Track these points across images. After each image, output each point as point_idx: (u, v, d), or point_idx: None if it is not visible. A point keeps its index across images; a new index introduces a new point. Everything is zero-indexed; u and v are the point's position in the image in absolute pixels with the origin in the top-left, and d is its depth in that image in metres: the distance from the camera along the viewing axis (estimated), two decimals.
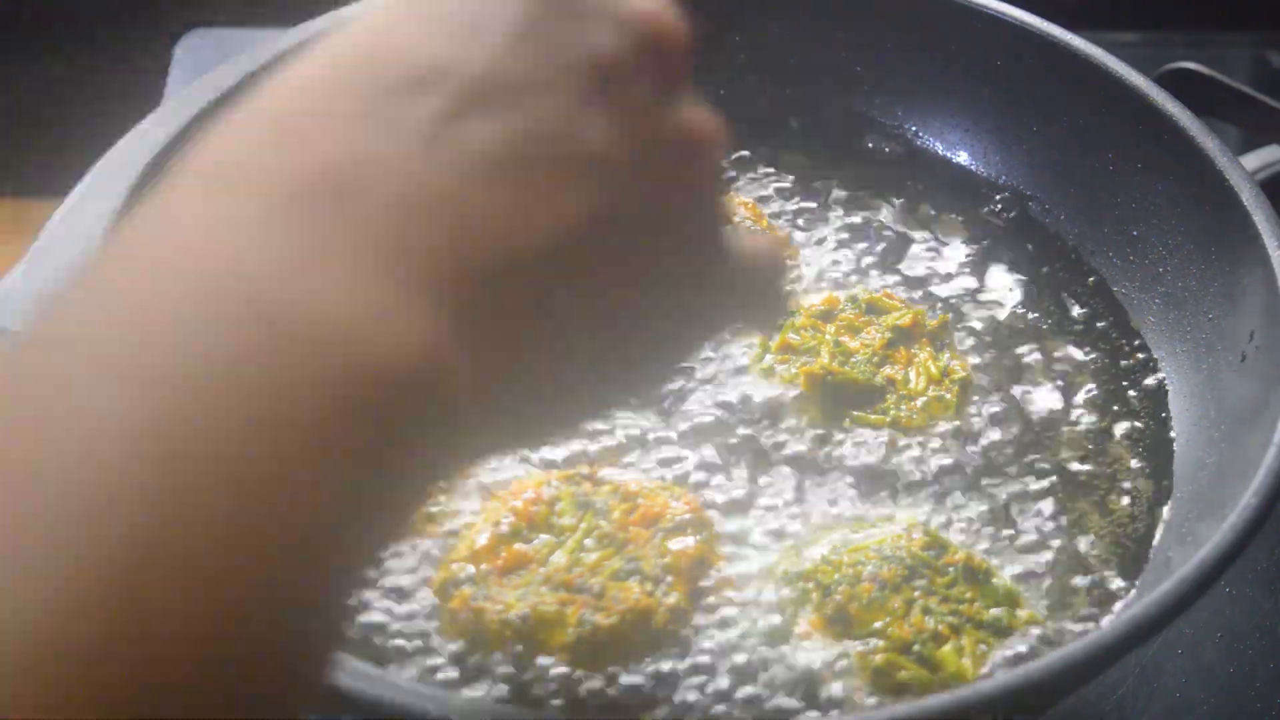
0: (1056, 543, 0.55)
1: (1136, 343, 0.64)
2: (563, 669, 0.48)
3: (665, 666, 0.49)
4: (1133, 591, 0.54)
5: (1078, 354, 0.64)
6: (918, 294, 0.65)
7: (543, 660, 0.49)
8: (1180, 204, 0.63)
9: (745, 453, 0.57)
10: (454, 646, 0.49)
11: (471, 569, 0.51)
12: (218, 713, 0.25)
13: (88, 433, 0.25)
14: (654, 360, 0.37)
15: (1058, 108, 0.69)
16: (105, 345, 0.26)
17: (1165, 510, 0.56)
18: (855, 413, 0.59)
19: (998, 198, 0.71)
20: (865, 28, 0.72)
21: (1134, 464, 0.59)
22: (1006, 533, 0.55)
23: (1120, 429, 0.60)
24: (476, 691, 0.48)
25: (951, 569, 0.52)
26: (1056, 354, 0.63)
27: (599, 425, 0.57)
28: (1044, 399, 0.61)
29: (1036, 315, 0.65)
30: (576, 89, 0.31)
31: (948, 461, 0.57)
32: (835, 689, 0.49)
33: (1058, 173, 0.70)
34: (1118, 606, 0.53)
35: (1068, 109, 0.68)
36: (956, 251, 0.68)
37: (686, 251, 0.35)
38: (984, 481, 0.57)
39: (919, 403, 0.59)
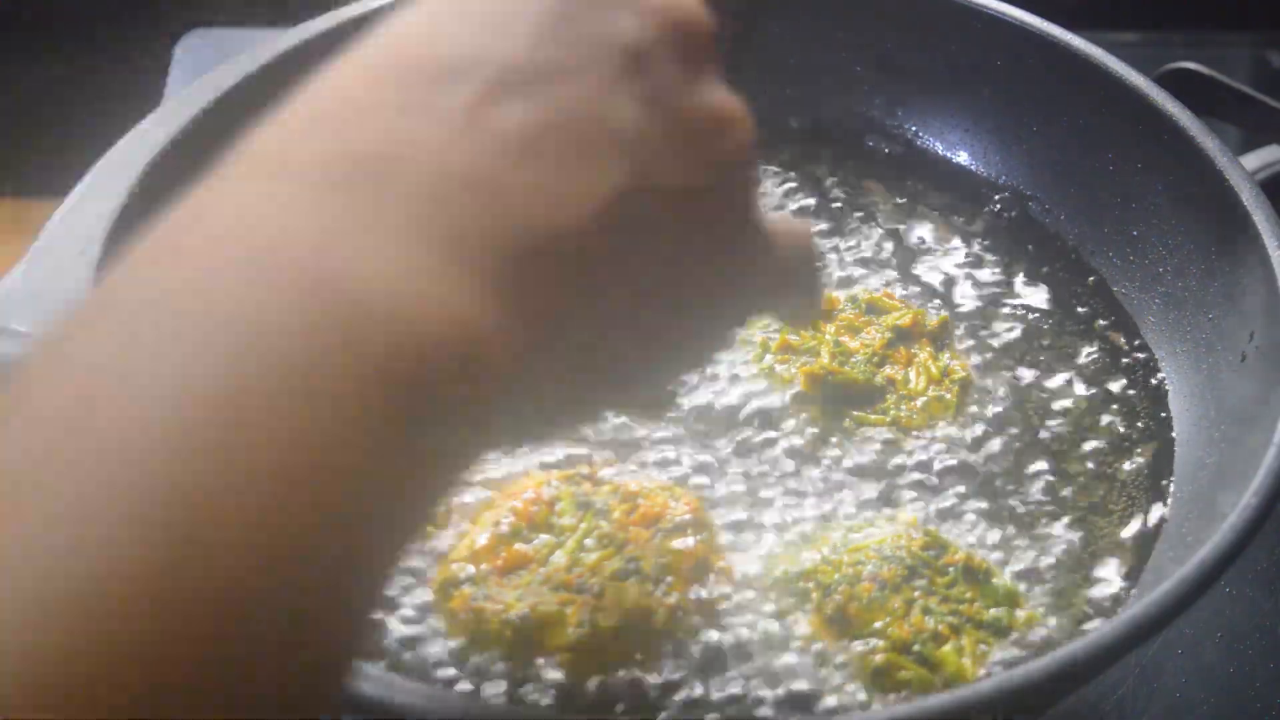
0: (1056, 543, 0.55)
1: (1136, 343, 0.64)
2: (563, 669, 0.48)
3: (665, 666, 0.49)
4: (1133, 591, 0.54)
5: (1078, 354, 0.64)
6: (917, 294, 0.66)
7: (543, 660, 0.49)
8: (1180, 204, 0.63)
9: (745, 453, 0.57)
10: (454, 646, 0.49)
11: (471, 569, 0.51)
12: (241, 706, 0.25)
13: (134, 402, 0.25)
14: (689, 346, 0.38)
15: (1058, 108, 0.69)
16: (149, 317, 0.26)
17: (1165, 510, 0.56)
18: (855, 413, 0.59)
19: (998, 198, 0.71)
20: (865, 28, 0.72)
21: (1134, 464, 0.59)
22: (1006, 533, 0.55)
23: (1120, 429, 0.60)
24: (476, 691, 0.48)
25: (951, 569, 0.52)
26: (1056, 354, 0.63)
27: (599, 425, 0.57)
28: (1044, 399, 0.61)
29: (1036, 315, 0.65)
30: (604, 74, 0.33)
31: (948, 461, 0.57)
32: (835, 689, 0.49)
33: (1058, 173, 0.70)
34: (1118, 607, 0.53)
35: (1068, 109, 0.68)
36: (956, 251, 0.68)
37: (721, 230, 0.36)
38: (984, 481, 0.57)
39: (919, 403, 0.59)
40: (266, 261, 0.28)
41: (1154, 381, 0.62)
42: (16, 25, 1.30)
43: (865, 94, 0.74)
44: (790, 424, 0.58)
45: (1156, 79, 0.66)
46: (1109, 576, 0.54)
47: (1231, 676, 0.58)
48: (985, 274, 0.67)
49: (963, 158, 0.73)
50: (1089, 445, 0.59)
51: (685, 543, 0.52)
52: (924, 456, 0.57)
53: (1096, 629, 0.51)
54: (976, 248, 0.68)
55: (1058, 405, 0.61)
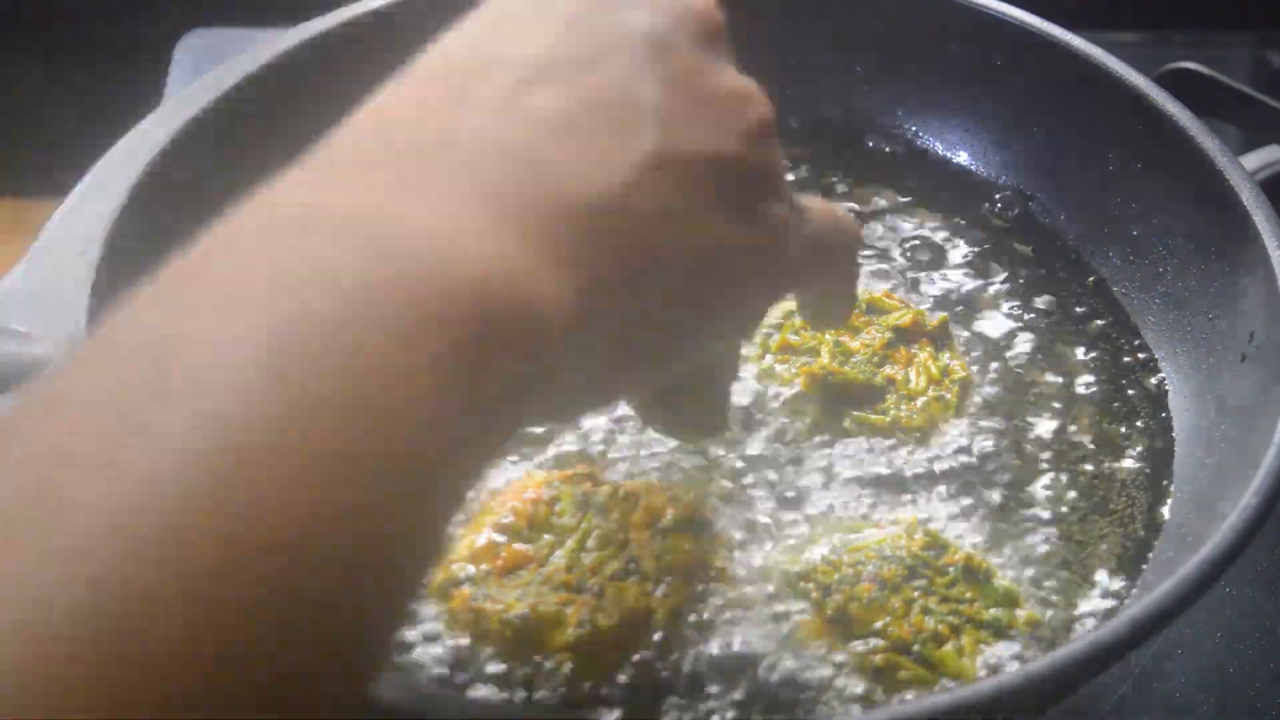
0: (1057, 543, 0.55)
1: (1136, 343, 0.64)
2: (562, 669, 0.48)
3: (665, 667, 0.49)
4: (1133, 591, 0.54)
5: (1078, 354, 0.64)
6: (918, 294, 0.66)
7: (543, 660, 0.49)
8: (1180, 204, 0.63)
9: (745, 453, 0.57)
10: (453, 646, 0.49)
11: (471, 569, 0.51)
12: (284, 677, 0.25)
13: (142, 437, 0.25)
14: (728, 318, 0.40)
15: (1058, 108, 0.69)
16: (149, 355, 0.27)
17: (1165, 510, 0.56)
18: (855, 413, 0.59)
19: (998, 197, 0.71)
20: (866, 28, 0.72)
21: (1134, 464, 0.59)
22: (1006, 533, 0.55)
23: (1120, 429, 0.60)
24: (476, 691, 0.48)
25: (951, 569, 0.52)
26: (1056, 354, 0.64)
27: (599, 425, 0.57)
28: (1043, 399, 0.61)
29: (1036, 315, 0.65)
30: (627, 60, 0.36)
31: (948, 461, 0.57)
32: (835, 689, 0.49)
33: (1058, 173, 0.70)
34: (1118, 607, 0.53)
35: (1068, 109, 0.68)
36: (956, 251, 0.68)
37: (753, 196, 0.37)
38: (984, 481, 0.57)
39: (919, 403, 0.59)
40: (326, 223, 0.29)
41: (1154, 381, 0.62)
42: (16, 25, 1.30)
43: (865, 94, 0.74)
44: (790, 424, 0.58)
45: (1156, 79, 0.66)
46: (1109, 577, 0.54)
47: (1231, 676, 0.59)
48: (985, 274, 0.67)
49: (963, 158, 0.73)
50: (1089, 445, 0.59)
51: (685, 543, 0.52)
52: (924, 456, 0.57)
53: (1096, 629, 0.51)
54: (976, 248, 0.68)
55: (1057, 405, 0.61)
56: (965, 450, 0.58)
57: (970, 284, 0.66)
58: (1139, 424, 0.61)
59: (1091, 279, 0.67)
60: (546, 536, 0.52)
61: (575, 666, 0.48)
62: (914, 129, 0.74)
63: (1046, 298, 0.66)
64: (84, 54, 1.28)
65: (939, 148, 0.73)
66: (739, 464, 0.56)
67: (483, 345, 0.29)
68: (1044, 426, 0.60)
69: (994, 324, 0.64)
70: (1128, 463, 0.59)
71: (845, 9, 0.72)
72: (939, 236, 0.69)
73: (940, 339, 0.62)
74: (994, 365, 0.62)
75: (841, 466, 0.57)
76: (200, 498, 0.24)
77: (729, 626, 0.50)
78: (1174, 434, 0.60)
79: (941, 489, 0.56)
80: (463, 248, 0.30)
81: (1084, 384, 0.62)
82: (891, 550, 0.52)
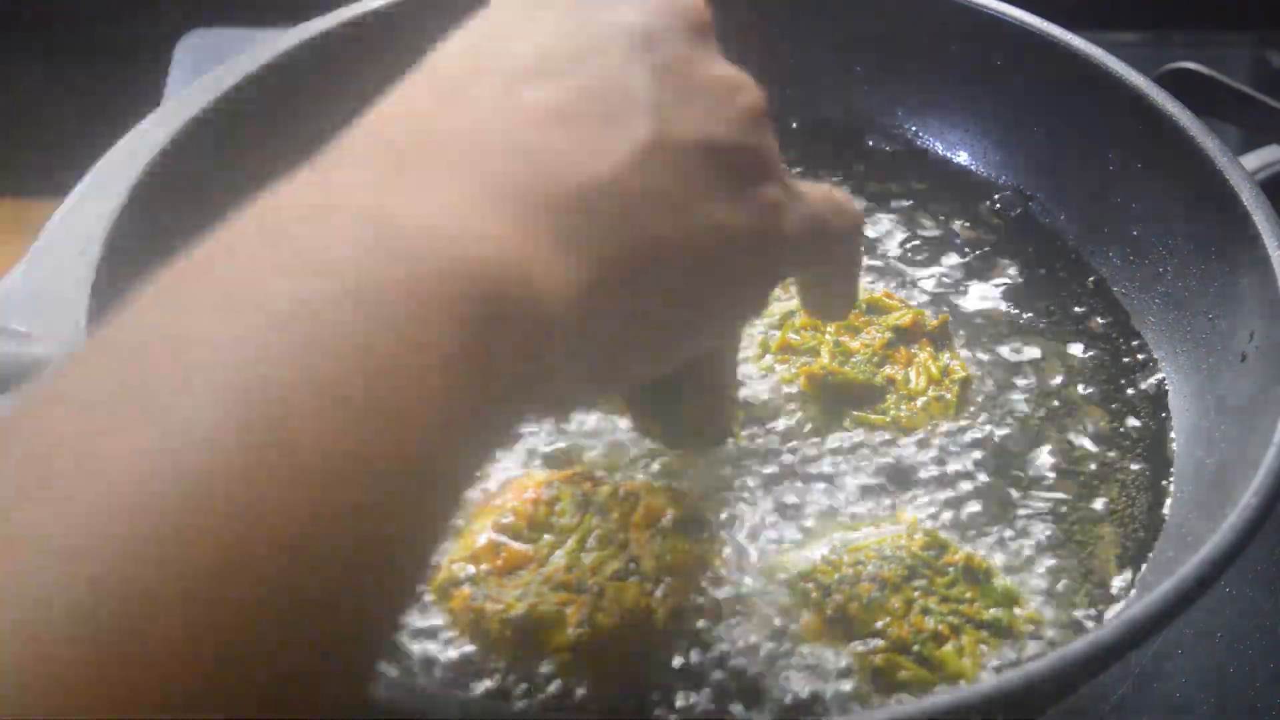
0: (1057, 543, 0.55)
1: (1136, 343, 0.64)
2: (563, 669, 0.48)
3: (665, 667, 0.49)
4: (1133, 591, 0.54)
5: (1078, 354, 0.64)
6: (918, 294, 0.66)
7: (542, 660, 0.49)
8: (1180, 204, 0.63)
9: (745, 453, 0.57)
10: (453, 646, 0.49)
11: (471, 569, 0.51)
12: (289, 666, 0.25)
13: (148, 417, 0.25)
14: (727, 304, 0.40)
15: (1058, 108, 0.69)
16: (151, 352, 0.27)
17: (1165, 510, 0.56)
18: (855, 413, 0.59)
19: (998, 197, 0.71)
20: (865, 28, 0.72)
21: (1134, 464, 0.59)
22: (1007, 533, 0.55)
23: (1120, 429, 0.60)
24: (476, 691, 0.48)
25: (951, 569, 0.52)
26: (1056, 354, 0.64)
27: (598, 426, 0.57)
28: (1043, 399, 0.61)
29: (1036, 315, 0.65)
30: (617, 53, 0.36)
31: (948, 461, 0.57)
32: (835, 689, 0.49)
33: (1058, 173, 0.70)
34: (1118, 607, 0.53)
35: (1068, 109, 0.68)
36: (957, 251, 0.68)
37: (748, 179, 0.38)
38: (984, 481, 0.57)
39: (919, 403, 0.59)
40: (333, 211, 0.29)
41: (1154, 381, 0.62)
42: (16, 25, 1.30)
43: (865, 94, 0.74)
44: (790, 424, 0.58)
45: (1156, 79, 0.66)
46: (1109, 576, 0.54)
47: (1231, 676, 0.58)
48: (985, 274, 0.67)
49: (963, 158, 0.73)
50: (1089, 445, 0.59)
51: (685, 543, 0.52)
52: (924, 456, 0.57)
53: (1096, 629, 0.51)
54: (976, 248, 0.68)
55: (1057, 405, 0.61)
56: (965, 450, 0.58)
57: (970, 284, 0.66)
58: (1139, 424, 0.61)
59: (1091, 279, 0.67)
60: (546, 536, 0.52)
61: (575, 666, 0.48)
62: (914, 129, 0.74)
63: (1046, 298, 0.66)
64: (84, 54, 1.28)
65: (939, 148, 0.73)
66: (739, 464, 0.56)
67: (491, 345, 0.29)
68: (1043, 426, 0.60)
69: (994, 324, 0.64)
70: (1128, 463, 0.59)
71: (845, 9, 0.72)
72: (939, 236, 0.69)
73: (940, 339, 0.62)
74: (994, 365, 0.62)
75: (841, 466, 0.57)
76: (200, 498, 0.24)
77: (729, 627, 0.50)
78: (1174, 434, 0.60)
79: (941, 489, 0.56)
80: (467, 244, 0.30)
81: (1084, 384, 0.62)
82: (891, 550, 0.52)
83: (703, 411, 0.49)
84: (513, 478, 0.54)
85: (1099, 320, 0.65)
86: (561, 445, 0.56)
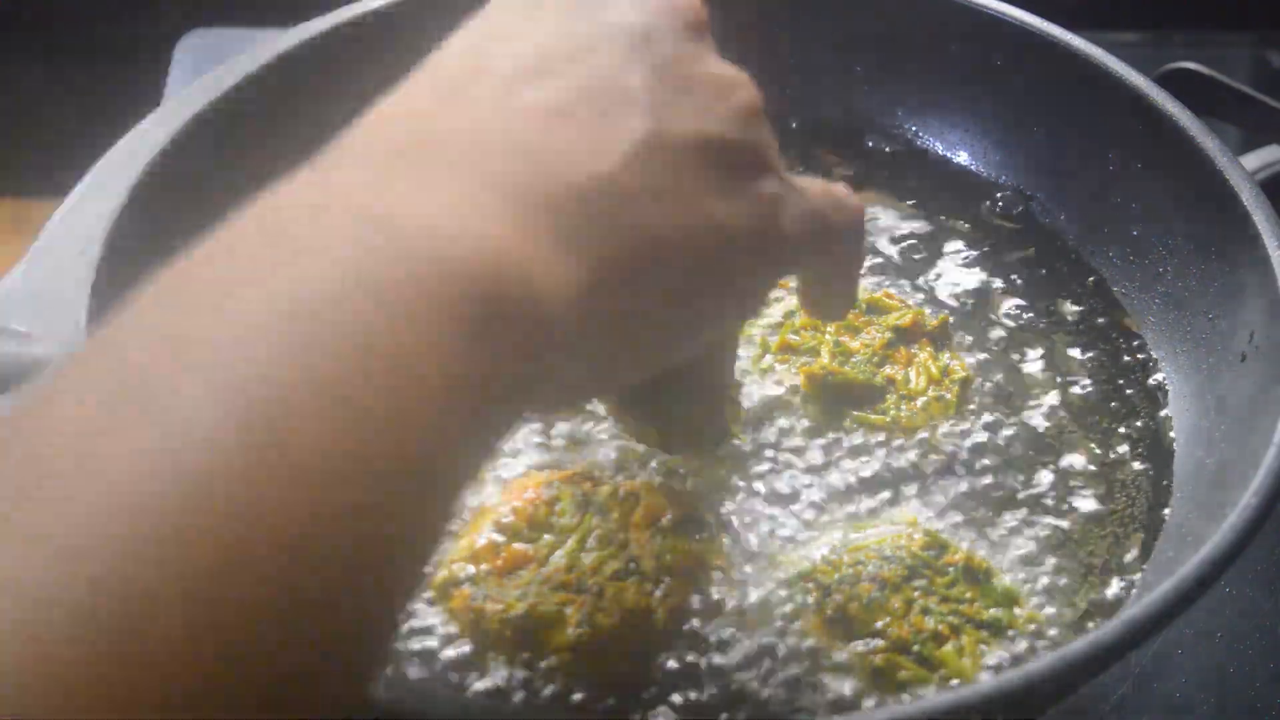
0: (1056, 543, 0.55)
1: (1136, 343, 0.64)
2: (563, 669, 0.48)
3: (665, 667, 0.49)
4: (1133, 591, 0.54)
5: (1077, 354, 0.64)
6: (918, 294, 0.66)
7: (543, 660, 0.49)
8: (1180, 204, 0.63)
9: (745, 453, 0.57)
10: (453, 645, 0.49)
11: (471, 569, 0.51)
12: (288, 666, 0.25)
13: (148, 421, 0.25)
14: (727, 301, 0.40)
15: (1058, 107, 0.69)
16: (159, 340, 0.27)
17: (1165, 510, 0.56)
18: (855, 413, 0.59)
19: (998, 197, 0.71)
20: (865, 28, 0.72)
21: (1134, 464, 0.59)
22: (1006, 532, 0.55)
23: (1120, 429, 0.60)
24: (475, 691, 0.48)
25: (951, 569, 0.52)
26: (1056, 354, 0.63)
27: (599, 426, 0.57)
28: (1043, 399, 0.61)
29: (1036, 315, 0.65)
30: (614, 52, 0.36)
31: (948, 461, 0.57)
32: (835, 689, 0.49)
33: (1058, 173, 0.70)
34: (1118, 606, 0.53)
35: (1068, 109, 0.68)
36: (956, 251, 0.68)
37: (746, 174, 0.38)
38: (984, 481, 0.57)
39: (919, 403, 0.59)
40: (334, 210, 0.30)
41: (1154, 381, 0.62)
42: (16, 25, 1.30)
43: (865, 94, 0.74)
44: (790, 424, 0.58)
45: (1156, 79, 0.66)
46: (1109, 576, 0.54)
47: (1231, 676, 0.58)
48: (985, 274, 0.67)
49: (963, 158, 0.73)
50: (1089, 445, 0.59)
51: (685, 543, 0.52)
52: (924, 456, 0.57)
53: (1096, 629, 0.51)
54: (976, 248, 0.68)
55: (1057, 405, 0.61)
56: (965, 450, 0.58)
57: (970, 284, 0.66)
58: (1139, 424, 0.61)
59: (1091, 279, 0.67)
60: (546, 536, 0.52)
61: (575, 666, 0.48)
62: (914, 129, 0.74)
63: (1046, 298, 0.66)
64: (84, 54, 1.28)
65: (939, 148, 0.73)
66: (739, 464, 0.56)
67: (491, 345, 0.29)
68: (1044, 426, 0.60)
69: (994, 324, 0.64)
70: (1128, 463, 0.59)
71: (845, 9, 0.72)
72: (939, 236, 0.69)
73: (940, 339, 0.62)
74: (994, 365, 0.62)
75: (841, 466, 0.57)
76: (200, 498, 0.24)
77: (728, 627, 0.50)
78: (1174, 434, 0.60)
79: (941, 489, 0.56)
80: (467, 244, 0.30)
81: (1084, 384, 0.62)
82: (891, 550, 0.52)
83: (702, 411, 0.49)
84: (513, 478, 0.54)
85: (1099, 320, 0.65)
86: (561, 445, 0.56)
